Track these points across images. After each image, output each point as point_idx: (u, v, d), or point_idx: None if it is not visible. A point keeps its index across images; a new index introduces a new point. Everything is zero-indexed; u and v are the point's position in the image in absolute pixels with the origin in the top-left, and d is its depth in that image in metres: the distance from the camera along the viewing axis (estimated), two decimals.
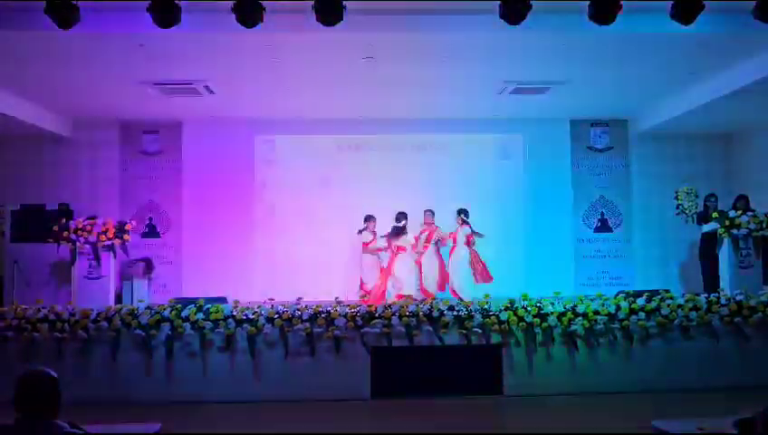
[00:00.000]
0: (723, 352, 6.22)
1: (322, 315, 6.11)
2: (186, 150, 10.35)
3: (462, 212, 9.50)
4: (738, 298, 6.46)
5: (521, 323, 6.13)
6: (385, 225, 9.54)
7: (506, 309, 6.21)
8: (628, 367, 6.14)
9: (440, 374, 6.04)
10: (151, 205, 10.30)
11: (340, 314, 6.12)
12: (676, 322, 6.22)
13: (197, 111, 9.70)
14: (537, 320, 6.12)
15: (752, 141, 10.27)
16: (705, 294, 6.76)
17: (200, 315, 6.12)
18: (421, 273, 9.36)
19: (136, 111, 9.70)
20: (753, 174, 10.02)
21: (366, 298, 8.90)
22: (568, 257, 10.46)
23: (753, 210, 8.02)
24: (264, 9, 5.42)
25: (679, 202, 9.40)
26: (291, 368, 6.01)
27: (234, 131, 10.28)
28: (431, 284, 9.34)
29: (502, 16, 5.50)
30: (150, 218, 10.28)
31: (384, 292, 9.09)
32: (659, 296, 6.59)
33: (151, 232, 10.25)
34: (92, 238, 8.12)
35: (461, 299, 8.24)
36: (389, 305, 6.37)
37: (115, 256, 8.37)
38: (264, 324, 6.05)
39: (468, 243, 9.40)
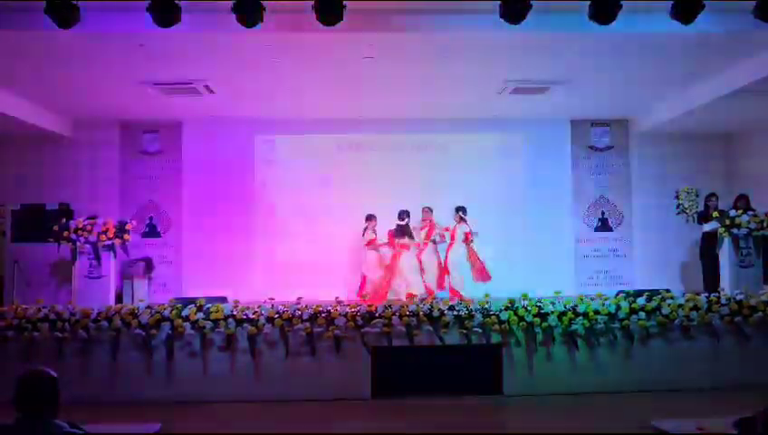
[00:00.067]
0: (723, 351, 6.22)
1: (323, 315, 6.11)
2: (186, 150, 10.37)
3: (460, 210, 9.52)
4: (738, 298, 6.46)
5: (521, 323, 6.13)
6: (385, 225, 9.57)
7: (506, 309, 6.20)
8: (629, 367, 6.14)
9: (440, 374, 6.04)
10: (151, 204, 10.31)
11: (340, 314, 6.12)
12: (676, 321, 6.22)
13: (197, 111, 9.70)
14: (537, 320, 6.12)
15: (752, 141, 10.26)
16: (706, 294, 6.75)
17: (200, 315, 6.12)
18: (422, 270, 9.39)
19: (136, 111, 9.71)
20: (753, 173, 10.02)
21: (366, 298, 8.92)
22: (568, 257, 10.47)
23: (754, 210, 8.02)
24: (264, 9, 5.42)
25: (680, 202, 9.43)
26: (291, 368, 6.01)
27: (234, 131, 10.28)
28: (431, 281, 9.37)
29: (502, 16, 5.50)
30: (151, 218, 10.29)
31: (387, 291, 9.09)
32: (660, 296, 6.58)
33: (151, 232, 10.27)
34: (93, 238, 8.13)
35: (461, 298, 8.28)
36: (390, 305, 6.37)
37: (115, 256, 8.38)
38: (264, 324, 6.05)
39: (466, 240, 9.40)
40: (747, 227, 7.59)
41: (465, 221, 9.46)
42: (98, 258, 8.19)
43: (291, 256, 10.09)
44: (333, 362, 6.02)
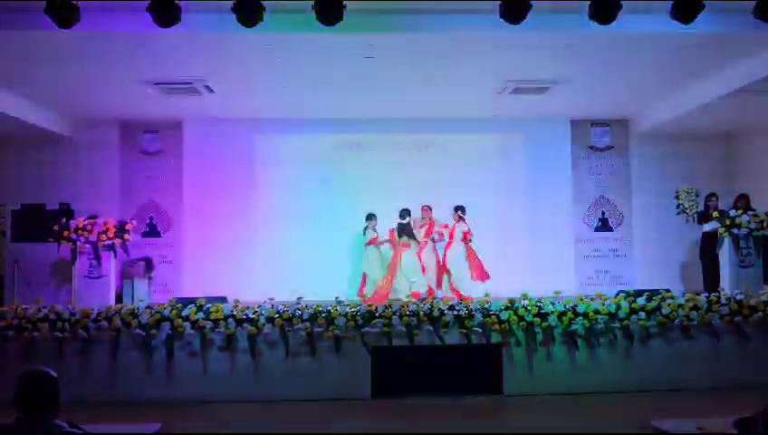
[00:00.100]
0: (723, 351, 6.22)
1: (323, 315, 6.11)
2: (186, 150, 10.36)
3: (459, 209, 9.51)
4: (738, 297, 6.46)
5: (521, 323, 6.13)
6: (385, 224, 9.57)
7: (507, 308, 6.20)
8: (629, 367, 6.14)
9: (440, 374, 6.04)
10: (152, 204, 10.31)
11: (340, 314, 6.12)
12: (676, 321, 6.22)
13: (197, 111, 9.71)
14: (537, 319, 6.12)
15: (752, 141, 10.26)
16: (706, 294, 6.75)
17: (200, 315, 6.12)
18: (423, 268, 9.39)
19: (136, 111, 9.71)
20: (753, 173, 10.02)
21: (367, 297, 8.93)
22: (568, 257, 10.46)
23: (754, 209, 8.02)
24: (264, 9, 5.41)
25: (680, 202, 9.43)
26: (291, 368, 6.01)
27: (234, 131, 10.29)
28: (431, 280, 9.38)
29: (502, 16, 5.49)
30: (151, 218, 10.29)
31: (389, 291, 9.09)
32: (660, 296, 6.58)
33: (152, 231, 10.27)
34: (93, 238, 8.13)
35: (461, 297, 8.29)
36: (390, 305, 6.37)
37: (115, 256, 8.38)
38: (264, 324, 6.05)
39: (465, 240, 9.40)
40: (747, 227, 7.59)
41: (463, 220, 9.46)
42: (98, 258, 8.19)
43: (291, 256, 10.09)
44: (333, 362, 6.02)
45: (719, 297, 6.50)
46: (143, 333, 6.00)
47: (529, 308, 6.20)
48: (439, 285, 9.40)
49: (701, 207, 8.88)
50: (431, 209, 9.65)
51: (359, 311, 6.18)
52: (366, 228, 9.56)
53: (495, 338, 6.11)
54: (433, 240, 9.57)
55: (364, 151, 10.52)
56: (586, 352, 6.14)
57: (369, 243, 9.54)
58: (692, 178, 10.25)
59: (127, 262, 9.27)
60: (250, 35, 5.99)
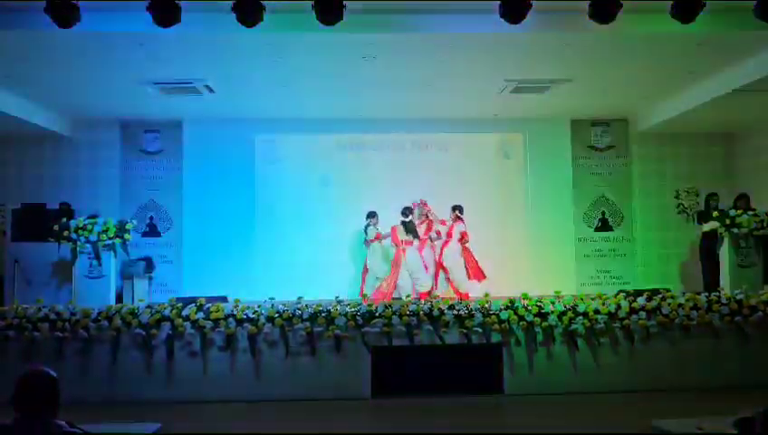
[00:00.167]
0: (723, 351, 6.22)
1: (323, 315, 6.11)
2: (186, 150, 10.36)
3: (456, 208, 9.50)
4: (738, 297, 6.46)
5: (521, 323, 6.13)
6: (385, 224, 9.56)
7: (507, 308, 6.21)
8: (629, 366, 6.14)
9: (441, 373, 6.05)
10: (152, 204, 10.31)
11: (340, 314, 6.13)
12: (676, 321, 6.22)
13: (198, 111, 9.70)
14: (538, 319, 6.13)
15: (752, 141, 10.26)
16: (706, 294, 6.75)
17: (201, 315, 6.12)
18: (425, 266, 9.40)
19: (136, 111, 9.70)
20: (753, 173, 10.02)
21: (367, 297, 8.92)
22: (568, 256, 10.45)
23: (754, 209, 8.02)
24: (264, 9, 5.41)
25: (680, 201, 9.41)
26: (291, 367, 6.02)
27: (234, 131, 10.27)
28: (431, 278, 9.40)
29: (502, 15, 5.49)
30: (151, 217, 10.29)
31: (392, 291, 9.08)
32: (660, 295, 6.59)
33: (152, 231, 10.27)
34: (93, 238, 8.12)
35: (460, 296, 8.30)
36: (390, 305, 6.37)
37: (116, 256, 8.37)
38: (264, 324, 6.06)
39: (462, 240, 9.38)
40: (747, 227, 7.59)
41: (461, 220, 9.45)
42: (98, 258, 8.18)
43: (291, 255, 10.08)
44: (333, 362, 6.03)
45: (719, 297, 6.50)
46: (143, 333, 6.01)
47: (529, 308, 6.21)
48: (436, 282, 9.40)
49: (701, 207, 8.88)
50: (426, 204, 9.71)
51: (359, 310, 6.18)
52: (367, 226, 9.56)
53: (496, 338, 6.11)
54: (431, 239, 9.57)
55: (364, 151, 10.51)
56: (586, 351, 6.15)
57: (372, 240, 9.53)
58: (692, 178, 10.24)
59: (127, 262, 9.27)
60: (250, 35, 5.98)
